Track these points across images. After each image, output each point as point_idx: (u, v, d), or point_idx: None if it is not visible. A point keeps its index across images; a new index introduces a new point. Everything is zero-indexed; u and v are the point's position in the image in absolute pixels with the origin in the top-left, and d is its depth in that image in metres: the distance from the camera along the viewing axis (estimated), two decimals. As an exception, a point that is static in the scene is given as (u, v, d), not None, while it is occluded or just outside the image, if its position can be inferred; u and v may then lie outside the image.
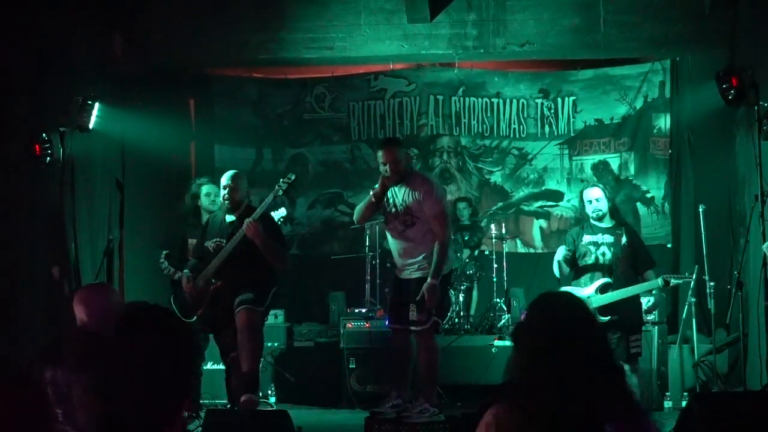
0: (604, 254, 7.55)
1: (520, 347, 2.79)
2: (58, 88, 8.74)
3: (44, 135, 8.27)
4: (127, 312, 2.39)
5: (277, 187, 7.54)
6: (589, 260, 7.58)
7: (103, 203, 9.73)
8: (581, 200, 7.85)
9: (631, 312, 7.58)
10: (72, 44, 8.96)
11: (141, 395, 2.22)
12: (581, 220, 8.02)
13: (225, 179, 7.50)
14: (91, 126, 8.86)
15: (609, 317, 7.29)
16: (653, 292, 8.01)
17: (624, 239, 7.55)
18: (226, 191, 7.45)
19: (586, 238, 7.62)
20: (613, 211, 7.72)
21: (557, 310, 2.81)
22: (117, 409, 2.22)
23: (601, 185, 7.87)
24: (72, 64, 8.98)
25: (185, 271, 7.58)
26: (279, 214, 8.70)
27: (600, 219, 7.61)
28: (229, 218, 7.52)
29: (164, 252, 8.58)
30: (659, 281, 7.38)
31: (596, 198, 7.61)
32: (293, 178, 7.67)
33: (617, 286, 7.42)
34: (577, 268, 7.68)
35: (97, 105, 8.87)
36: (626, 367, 7.39)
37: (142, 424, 2.22)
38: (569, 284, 7.73)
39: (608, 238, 7.58)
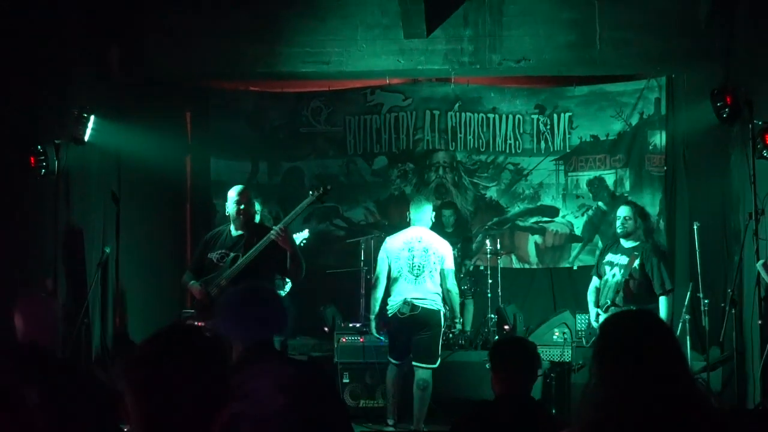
0: (614, 275, 7.76)
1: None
2: (54, 100, 8.75)
3: (39, 147, 8.27)
4: (166, 332, 2.44)
5: (310, 196, 7.49)
6: (603, 279, 7.81)
7: (98, 215, 9.72)
8: (616, 215, 8.25)
9: None
10: (67, 56, 8.97)
11: (183, 409, 2.29)
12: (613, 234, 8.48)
13: (237, 194, 7.47)
14: (86, 138, 8.87)
15: None
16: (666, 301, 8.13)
17: (637, 261, 7.68)
18: (241, 206, 7.43)
19: (608, 257, 7.89)
20: (646, 232, 7.91)
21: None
22: (161, 424, 2.29)
23: (632, 205, 8.08)
24: (67, 77, 8.99)
25: (194, 282, 7.53)
26: (302, 236, 8.68)
27: (626, 236, 7.88)
28: (235, 232, 7.51)
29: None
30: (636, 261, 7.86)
31: (624, 216, 7.99)
32: (329, 188, 7.53)
33: (624, 305, 7.62)
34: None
35: (92, 117, 8.87)
36: None
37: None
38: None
39: (624, 260, 7.76)
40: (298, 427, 3.72)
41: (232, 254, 7.40)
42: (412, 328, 8.30)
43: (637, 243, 7.87)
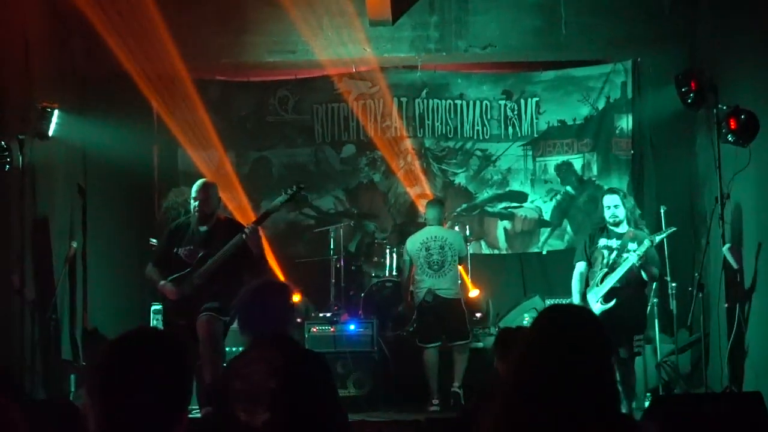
0: (617, 258, 7.77)
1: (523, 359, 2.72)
2: (17, 95, 8.66)
3: (2, 143, 8.19)
4: (124, 340, 2.42)
5: (283, 195, 7.56)
6: (601, 263, 7.81)
7: (65, 210, 9.66)
8: (601, 205, 8.23)
9: (640, 313, 7.93)
10: (29, 50, 8.87)
11: (142, 414, 2.30)
12: (597, 222, 8.43)
13: (195, 190, 7.47)
14: (50, 133, 8.79)
15: (613, 301, 7.67)
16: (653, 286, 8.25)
17: (635, 247, 7.70)
18: (196, 203, 7.43)
19: (602, 242, 7.88)
20: (634, 221, 7.94)
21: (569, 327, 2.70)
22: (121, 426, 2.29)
23: (620, 194, 8.10)
24: (30, 71, 8.90)
25: (164, 282, 7.50)
26: None
27: (617, 225, 7.91)
28: (202, 227, 7.49)
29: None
30: (647, 241, 7.68)
31: (614, 204, 7.98)
32: (302, 186, 7.75)
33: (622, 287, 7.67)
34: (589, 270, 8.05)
35: (56, 112, 8.79)
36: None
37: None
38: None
39: (616, 243, 7.80)
40: (286, 408, 4.07)
41: (201, 252, 7.38)
42: (437, 314, 9.13)
43: (628, 229, 7.90)
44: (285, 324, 4.56)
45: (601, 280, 7.80)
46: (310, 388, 4.20)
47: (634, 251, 7.63)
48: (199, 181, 7.64)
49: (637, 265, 7.61)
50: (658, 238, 7.86)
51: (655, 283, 8.62)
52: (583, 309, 3.01)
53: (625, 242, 7.81)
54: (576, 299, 8.01)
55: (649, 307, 8.95)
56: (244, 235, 7.20)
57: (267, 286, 4.80)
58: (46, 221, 9.08)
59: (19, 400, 4.29)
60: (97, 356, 2.39)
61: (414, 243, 9.32)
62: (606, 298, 7.71)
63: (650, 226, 10.05)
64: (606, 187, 10.74)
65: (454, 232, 9.82)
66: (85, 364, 9.11)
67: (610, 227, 7.94)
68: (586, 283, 7.98)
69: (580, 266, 8.10)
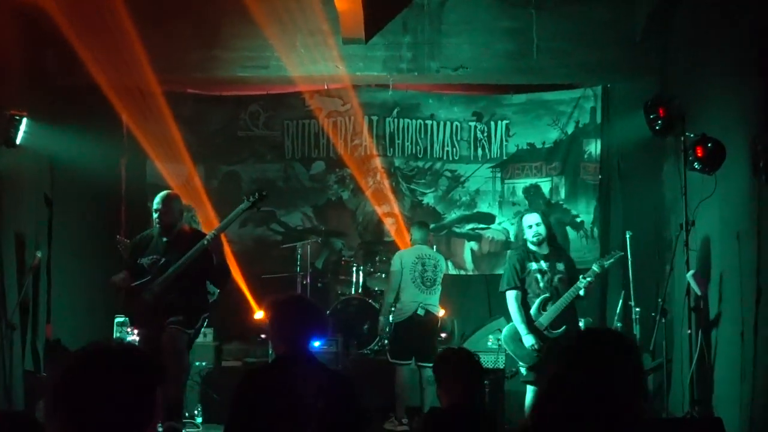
0: (551, 280, 7.77)
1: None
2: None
3: (-31, 150, 8.14)
4: (87, 354, 2.41)
5: (244, 202, 7.56)
6: (537, 288, 7.80)
7: (30, 219, 9.57)
8: (520, 226, 8.18)
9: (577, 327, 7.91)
10: (1, 59, 8.82)
11: (108, 428, 2.30)
12: (519, 246, 8.24)
13: (156, 202, 7.46)
14: (18, 141, 8.72)
15: (563, 328, 7.65)
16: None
17: (562, 265, 7.76)
18: (156, 215, 7.43)
19: (533, 266, 7.85)
20: (551, 238, 7.96)
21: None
22: None
23: (539, 212, 8.13)
24: (0, 79, 8.84)
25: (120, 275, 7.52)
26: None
27: (539, 244, 7.91)
28: (164, 238, 7.49)
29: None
30: (595, 267, 7.71)
31: (536, 223, 7.96)
32: (264, 195, 7.69)
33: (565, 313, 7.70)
34: (524, 297, 7.94)
35: (24, 120, 8.74)
36: None
37: None
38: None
39: (544, 265, 7.81)
40: (329, 427, 4.10)
41: (163, 260, 7.37)
42: (422, 330, 9.16)
43: (550, 249, 7.94)
44: (321, 335, 4.56)
45: (544, 307, 7.80)
46: (350, 408, 4.26)
47: (583, 277, 7.68)
48: (162, 193, 7.66)
49: (582, 294, 7.69)
50: (607, 263, 7.90)
51: (618, 308, 8.71)
52: (623, 336, 3.04)
53: (553, 263, 7.88)
54: (522, 328, 7.79)
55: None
56: (206, 242, 7.20)
57: (308, 301, 4.83)
58: (11, 230, 8.98)
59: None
60: (59, 370, 2.37)
61: (409, 257, 9.37)
62: (554, 325, 7.72)
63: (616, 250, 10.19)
64: (574, 212, 10.89)
65: (440, 255, 9.90)
66: (47, 377, 9.01)
67: (534, 249, 7.94)
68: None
69: (513, 294, 7.91)
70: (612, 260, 7.99)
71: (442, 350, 6.34)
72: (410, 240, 9.69)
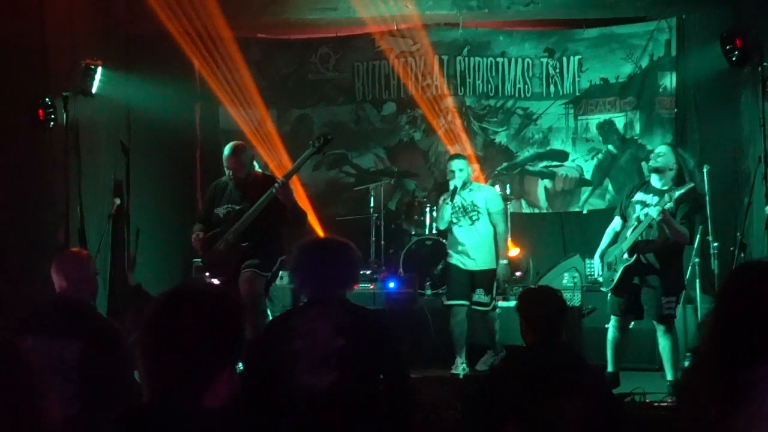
0: (646, 214, 7.43)
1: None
2: (61, 53, 8.74)
3: (47, 100, 8.29)
4: (176, 294, 2.48)
5: (310, 148, 7.53)
6: (632, 219, 7.53)
7: (108, 167, 9.77)
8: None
9: (670, 273, 7.53)
10: (73, 8, 8.94)
11: (193, 368, 2.36)
12: (641, 180, 8.13)
13: (225, 157, 7.50)
14: (94, 90, 8.88)
15: (634, 257, 7.37)
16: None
17: (670, 204, 7.35)
18: (229, 172, 7.47)
19: (637, 196, 7.54)
20: (678, 177, 7.55)
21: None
22: (168, 375, 2.36)
23: (671, 146, 7.76)
24: (74, 29, 8.97)
25: (196, 230, 7.62)
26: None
27: (656, 171, 7.47)
28: (238, 186, 7.55)
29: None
30: (666, 197, 7.27)
31: (659, 152, 7.57)
32: (329, 138, 7.56)
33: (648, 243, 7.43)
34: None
35: (99, 69, 8.88)
36: (659, 327, 7.44)
37: (189, 386, 2.37)
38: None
39: (656, 199, 7.44)
40: (353, 366, 4.00)
41: (238, 208, 7.45)
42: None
43: (670, 185, 7.54)
44: (351, 284, 4.41)
45: (631, 250, 7.58)
46: (377, 347, 4.12)
47: (655, 205, 7.36)
48: (228, 147, 7.57)
49: (657, 219, 7.31)
50: (677, 194, 7.49)
51: (696, 243, 8.53)
52: None
53: (665, 199, 7.52)
54: (596, 255, 7.81)
55: (690, 267, 8.84)
56: (274, 189, 7.24)
57: (331, 243, 4.53)
58: (91, 177, 9.16)
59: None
60: (149, 309, 2.43)
61: None
62: (630, 251, 7.43)
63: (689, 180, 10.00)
64: (649, 147, 10.67)
65: None
66: (132, 319, 9.23)
67: (653, 178, 7.62)
68: (614, 241, 7.79)
69: (615, 222, 7.79)
70: (683, 191, 7.62)
71: (523, 289, 6.30)
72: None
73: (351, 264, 4.37)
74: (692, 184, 7.38)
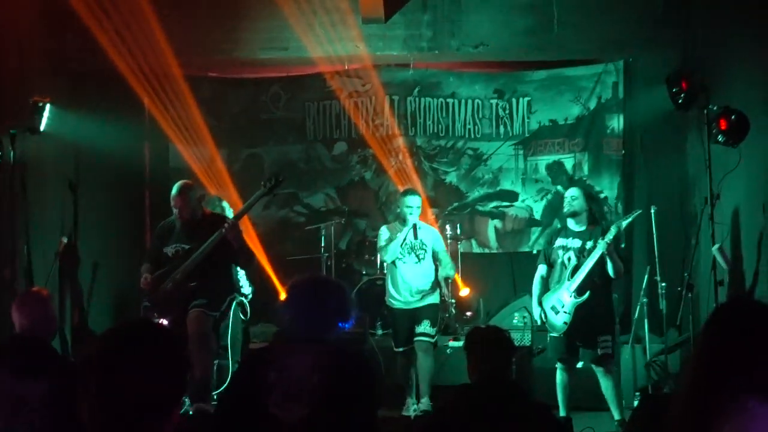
0: (569, 259, 7.63)
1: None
2: (8, 90, 8.66)
3: (-6, 138, 8.21)
4: (119, 331, 2.44)
5: (261, 188, 7.53)
6: (557, 264, 7.71)
7: (55, 205, 9.65)
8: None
9: (602, 312, 7.66)
10: (21, 45, 8.87)
11: (137, 407, 2.30)
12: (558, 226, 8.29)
13: (172, 196, 7.51)
14: (42, 128, 8.79)
15: (587, 294, 7.48)
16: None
17: (589, 243, 7.54)
18: (175, 210, 7.47)
19: (558, 242, 7.76)
20: (591, 218, 7.76)
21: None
22: (115, 417, 2.30)
23: (580, 186, 8.02)
24: (22, 66, 8.89)
25: (143, 271, 7.56)
26: None
27: (572, 216, 7.72)
28: (186, 226, 7.51)
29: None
30: (613, 228, 7.44)
31: (572, 196, 7.79)
32: (281, 179, 7.58)
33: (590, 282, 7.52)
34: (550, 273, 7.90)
35: (48, 106, 8.80)
36: (598, 369, 7.53)
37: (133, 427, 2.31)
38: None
39: (576, 243, 7.65)
40: (324, 404, 3.91)
41: (186, 248, 7.41)
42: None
43: (585, 227, 7.76)
44: (339, 324, 4.31)
45: (571, 274, 7.66)
46: (352, 387, 4.04)
47: (602, 239, 7.44)
48: (175, 187, 7.61)
49: (605, 252, 7.45)
50: (624, 223, 7.65)
51: (644, 283, 8.64)
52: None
53: (585, 241, 7.67)
54: (533, 303, 7.94)
55: (638, 307, 8.93)
56: (223, 230, 7.23)
57: (322, 283, 4.48)
58: (37, 215, 9.05)
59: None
60: (92, 347, 2.38)
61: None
62: (579, 291, 7.57)
63: (640, 226, 10.13)
64: (597, 188, 10.82)
65: None
66: (77, 358, 9.09)
67: (570, 223, 7.81)
68: (546, 288, 7.91)
69: (540, 269, 7.96)
70: (630, 219, 7.77)
71: (471, 328, 6.30)
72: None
73: (341, 307, 4.28)
74: (639, 211, 7.67)
